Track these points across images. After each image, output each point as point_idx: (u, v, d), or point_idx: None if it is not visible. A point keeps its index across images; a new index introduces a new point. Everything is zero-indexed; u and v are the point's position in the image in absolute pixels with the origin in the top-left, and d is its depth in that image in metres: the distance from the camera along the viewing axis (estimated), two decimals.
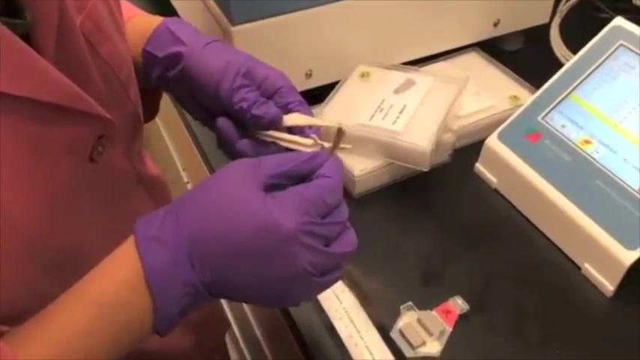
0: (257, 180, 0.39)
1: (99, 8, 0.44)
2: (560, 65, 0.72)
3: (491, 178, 0.71)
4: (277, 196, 0.39)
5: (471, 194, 0.71)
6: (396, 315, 0.58)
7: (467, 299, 0.59)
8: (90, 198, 0.42)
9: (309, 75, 0.76)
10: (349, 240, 0.41)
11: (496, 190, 0.71)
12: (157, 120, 1.18)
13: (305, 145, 0.48)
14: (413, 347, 0.55)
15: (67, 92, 0.37)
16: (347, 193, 0.71)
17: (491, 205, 0.70)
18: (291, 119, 0.49)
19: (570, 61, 0.70)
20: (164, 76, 0.53)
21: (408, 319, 0.58)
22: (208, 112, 0.52)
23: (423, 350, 0.55)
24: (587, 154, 0.63)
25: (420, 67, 0.81)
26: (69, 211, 0.40)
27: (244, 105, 0.48)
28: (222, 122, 0.50)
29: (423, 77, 0.75)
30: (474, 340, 0.57)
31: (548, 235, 0.65)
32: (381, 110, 0.70)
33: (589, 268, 0.61)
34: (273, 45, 0.71)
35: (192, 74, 0.50)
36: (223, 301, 0.89)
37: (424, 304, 0.59)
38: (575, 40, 0.78)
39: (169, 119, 1.02)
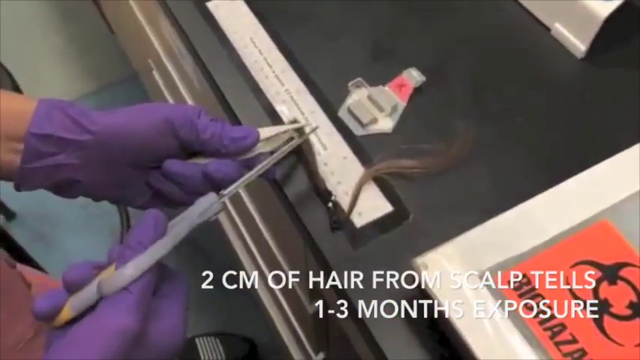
0: None
1: None
2: None
3: None
4: None
5: None
6: (344, 94, 0.52)
7: (424, 72, 0.52)
8: None
9: None
10: None
11: None
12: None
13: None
14: (363, 125, 0.50)
15: None
16: None
17: None
18: (265, 132, 0.43)
19: None
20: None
21: (357, 97, 0.52)
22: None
23: (375, 127, 0.50)
24: None
25: None
26: None
27: (217, 132, 0.41)
28: (172, 163, 0.42)
29: None
30: (429, 115, 0.51)
31: None
32: None
33: (559, 28, 0.54)
34: None
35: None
36: None
37: (376, 80, 0.53)
38: None
39: None
